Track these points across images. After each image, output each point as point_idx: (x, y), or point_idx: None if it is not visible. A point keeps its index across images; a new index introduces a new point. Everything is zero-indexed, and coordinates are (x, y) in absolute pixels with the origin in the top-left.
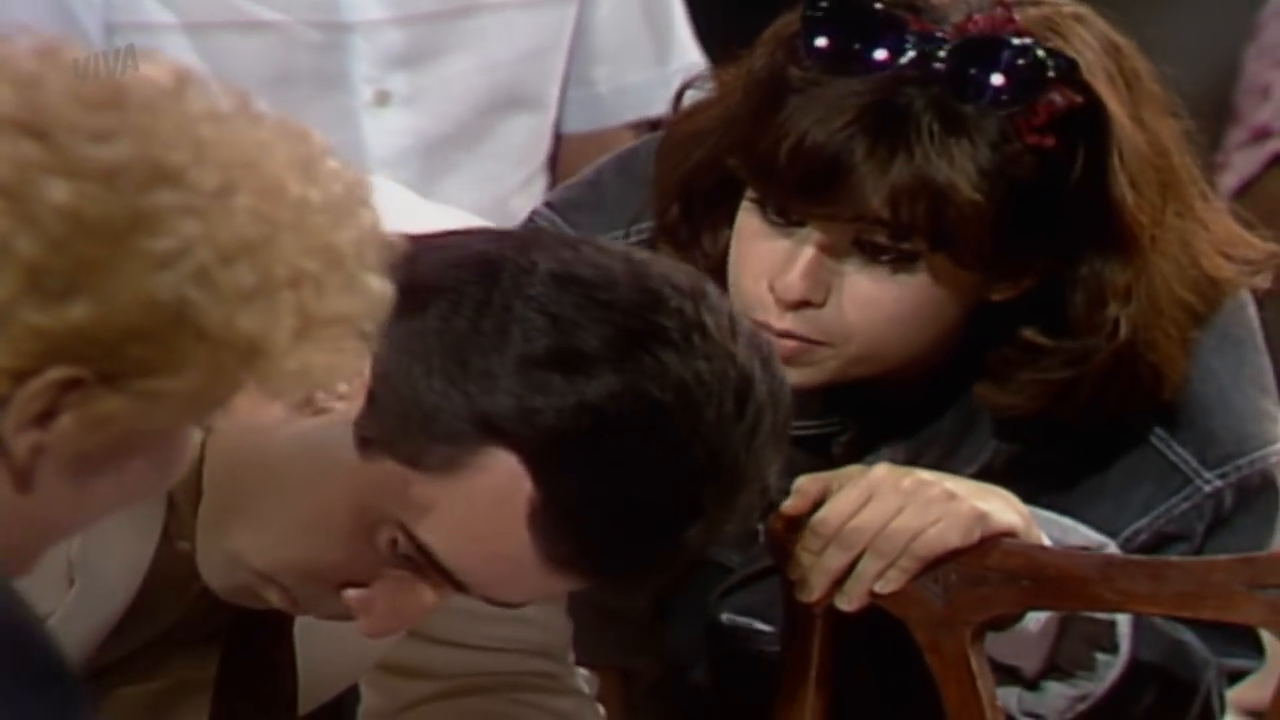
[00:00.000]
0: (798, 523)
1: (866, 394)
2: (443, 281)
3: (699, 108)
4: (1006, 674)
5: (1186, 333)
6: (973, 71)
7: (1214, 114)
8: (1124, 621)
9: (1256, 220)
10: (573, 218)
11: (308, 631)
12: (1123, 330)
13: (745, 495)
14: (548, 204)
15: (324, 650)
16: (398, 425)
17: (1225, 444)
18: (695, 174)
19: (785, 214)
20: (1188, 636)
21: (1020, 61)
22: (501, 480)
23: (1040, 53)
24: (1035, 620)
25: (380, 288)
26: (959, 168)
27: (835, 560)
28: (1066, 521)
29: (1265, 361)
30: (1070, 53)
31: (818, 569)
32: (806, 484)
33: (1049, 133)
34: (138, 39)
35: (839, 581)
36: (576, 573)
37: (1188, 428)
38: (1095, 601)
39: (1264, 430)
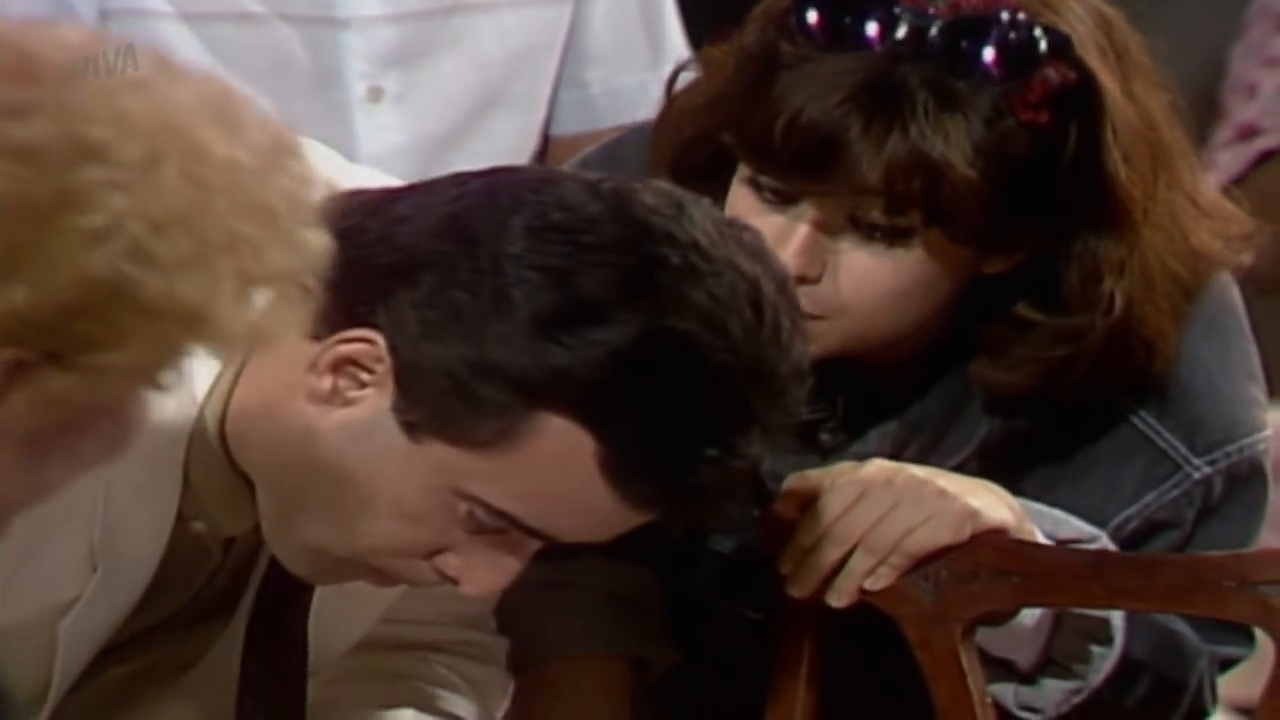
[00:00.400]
0: (790, 518)
1: (857, 377)
2: (421, 254)
3: (692, 84)
4: (1002, 668)
5: (1178, 306)
6: (965, 47)
7: (1201, 112)
8: (1117, 614)
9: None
10: None
11: (319, 600)
12: (1118, 305)
13: (791, 391)
14: None
15: (332, 616)
16: (435, 408)
17: (1214, 431)
18: (687, 149)
19: (779, 191)
20: (1180, 626)
21: (1013, 37)
22: (561, 442)
23: (1033, 29)
24: (1030, 614)
25: (318, 240)
26: (954, 144)
27: (826, 556)
28: (1058, 514)
29: (1252, 347)
30: (1063, 28)
31: (809, 565)
32: (797, 484)
33: (1043, 109)
34: (132, 25)
35: (830, 578)
36: (658, 506)
37: (1176, 415)
38: (1086, 598)
39: (1252, 417)
